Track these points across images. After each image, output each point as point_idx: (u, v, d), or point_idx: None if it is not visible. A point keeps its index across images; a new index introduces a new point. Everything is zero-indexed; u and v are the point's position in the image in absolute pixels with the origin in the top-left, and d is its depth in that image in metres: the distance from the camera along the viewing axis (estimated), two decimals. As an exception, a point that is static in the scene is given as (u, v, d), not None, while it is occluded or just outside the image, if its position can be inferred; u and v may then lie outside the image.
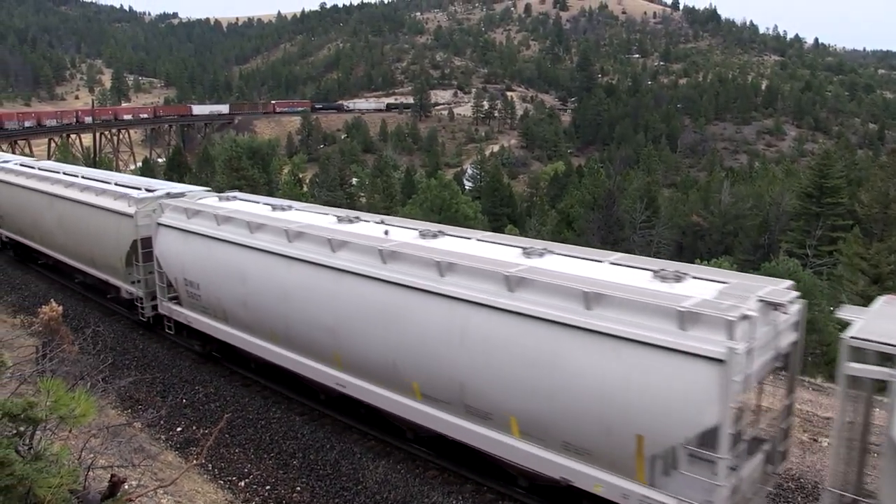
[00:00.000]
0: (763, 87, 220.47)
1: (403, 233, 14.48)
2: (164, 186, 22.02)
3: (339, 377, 14.27)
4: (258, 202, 19.03)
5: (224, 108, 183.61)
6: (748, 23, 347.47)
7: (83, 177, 25.11)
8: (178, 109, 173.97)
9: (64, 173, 26.45)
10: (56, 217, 24.83)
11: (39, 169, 28.28)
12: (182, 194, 20.49)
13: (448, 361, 12.00)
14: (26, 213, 27.48)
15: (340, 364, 14.16)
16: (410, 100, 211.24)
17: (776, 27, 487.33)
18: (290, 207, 17.67)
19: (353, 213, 16.67)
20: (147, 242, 19.76)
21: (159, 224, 18.89)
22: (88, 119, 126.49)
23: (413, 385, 12.84)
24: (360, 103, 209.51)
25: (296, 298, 14.66)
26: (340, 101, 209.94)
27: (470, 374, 11.76)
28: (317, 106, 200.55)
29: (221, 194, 20.17)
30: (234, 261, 16.32)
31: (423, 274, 12.43)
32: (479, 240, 13.93)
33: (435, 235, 14.02)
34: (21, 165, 30.27)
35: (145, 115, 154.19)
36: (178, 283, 18.50)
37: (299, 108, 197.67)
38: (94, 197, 22.54)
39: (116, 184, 22.97)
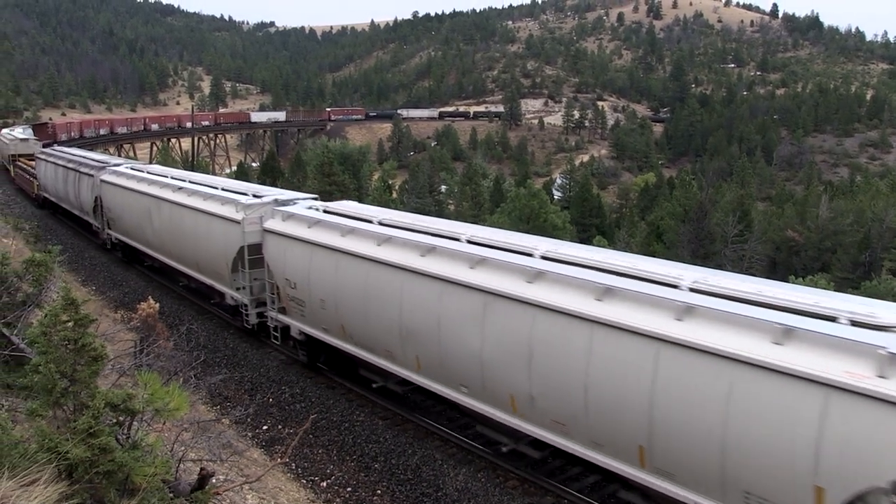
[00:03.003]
0: (868, 97, 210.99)
1: None
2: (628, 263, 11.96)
3: None
4: None
5: (281, 116, 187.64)
6: (853, 30, 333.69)
7: (482, 244, 13.93)
8: (237, 117, 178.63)
9: (425, 232, 15.28)
10: (482, 329, 12.81)
11: (358, 219, 17.12)
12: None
13: None
14: (350, 298, 16.19)
15: None
16: (499, 108, 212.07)
17: (885, 34, 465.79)
18: None
19: None
20: None
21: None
22: (155, 126, 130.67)
23: None
24: (413, 112, 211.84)
25: None
26: (394, 110, 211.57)
27: None
28: (371, 114, 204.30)
29: None
30: None
31: None
32: None
33: None
34: (328, 212, 18.47)
35: (207, 123, 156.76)
36: None
37: (354, 116, 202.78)
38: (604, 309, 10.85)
39: (557, 259, 12.52)
